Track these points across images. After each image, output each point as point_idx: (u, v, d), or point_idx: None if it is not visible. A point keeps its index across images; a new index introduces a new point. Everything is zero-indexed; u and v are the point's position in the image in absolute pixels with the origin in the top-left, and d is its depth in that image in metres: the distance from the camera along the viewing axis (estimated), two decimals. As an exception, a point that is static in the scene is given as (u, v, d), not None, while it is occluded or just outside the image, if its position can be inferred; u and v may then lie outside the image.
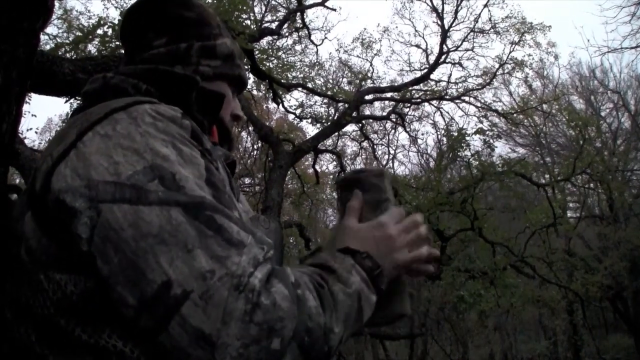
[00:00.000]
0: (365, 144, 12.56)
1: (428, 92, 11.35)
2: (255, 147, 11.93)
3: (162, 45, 1.02)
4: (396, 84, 11.56)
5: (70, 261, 0.71)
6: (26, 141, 5.16)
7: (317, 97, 11.03)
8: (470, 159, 10.36)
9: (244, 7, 7.47)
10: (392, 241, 0.93)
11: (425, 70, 11.85)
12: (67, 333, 0.70)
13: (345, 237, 0.93)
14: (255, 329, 0.65)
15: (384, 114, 12.42)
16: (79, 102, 0.98)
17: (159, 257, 0.66)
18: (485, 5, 11.57)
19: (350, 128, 11.94)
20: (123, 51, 1.14)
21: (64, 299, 0.71)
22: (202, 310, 0.65)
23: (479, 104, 11.82)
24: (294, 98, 14.31)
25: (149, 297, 0.66)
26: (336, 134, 11.28)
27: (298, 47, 11.13)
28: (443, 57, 11.69)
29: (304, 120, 11.57)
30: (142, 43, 1.04)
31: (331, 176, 13.90)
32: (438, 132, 13.27)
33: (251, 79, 8.64)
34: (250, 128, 10.99)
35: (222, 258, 0.68)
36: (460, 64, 11.93)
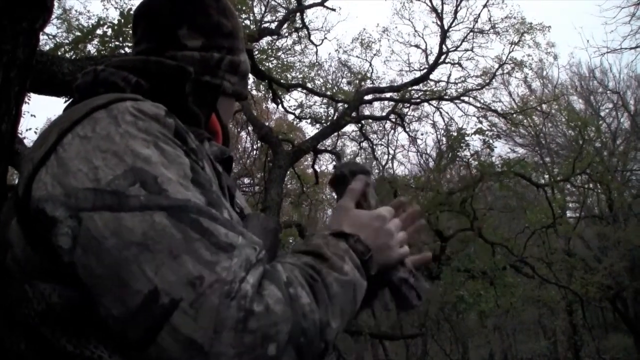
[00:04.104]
0: (364, 144, 12.57)
1: (427, 92, 11.35)
2: (254, 147, 11.96)
3: (197, 49, 1.00)
4: (395, 84, 11.56)
5: (54, 271, 0.69)
6: (25, 141, 5.15)
7: (316, 98, 11.05)
8: (470, 159, 10.38)
9: (244, 7, 7.47)
10: (390, 237, 0.93)
11: (425, 70, 11.87)
12: (52, 343, 0.68)
13: (342, 219, 0.92)
14: (249, 337, 0.63)
15: (384, 114, 12.43)
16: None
17: (143, 266, 0.63)
18: (485, 6, 11.59)
19: (350, 128, 11.98)
20: (131, 32, 1.10)
21: (49, 309, 0.69)
22: (192, 319, 0.62)
23: (478, 104, 11.83)
24: (293, 98, 14.36)
25: (135, 308, 0.63)
26: (335, 134, 11.30)
27: (297, 48, 11.16)
28: (442, 57, 11.70)
29: (304, 121, 11.60)
30: (171, 35, 1.01)
31: (330, 176, 13.90)
32: (437, 132, 13.26)
33: (251, 79, 8.65)
34: (249, 128, 11.01)
35: (210, 263, 0.65)
36: (460, 64, 11.95)
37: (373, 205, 1.01)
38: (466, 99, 11.63)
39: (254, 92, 10.30)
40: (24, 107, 1.59)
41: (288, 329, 0.66)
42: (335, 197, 1.06)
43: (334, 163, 12.94)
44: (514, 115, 12.53)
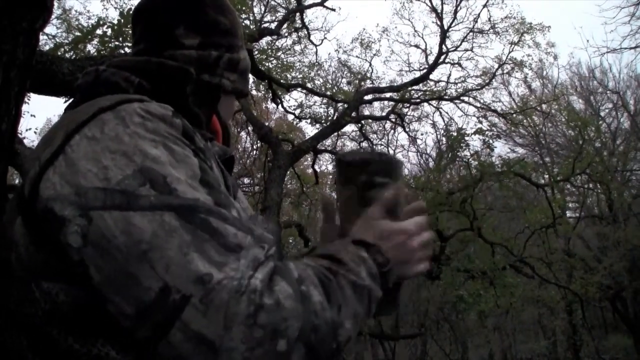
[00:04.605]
0: (364, 144, 12.54)
1: (427, 92, 11.35)
2: (254, 147, 11.96)
3: (194, 48, 1.00)
4: (395, 84, 11.56)
5: (61, 270, 0.69)
6: (25, 141, 5.16)
7: (316, 97, 11.05)
8: (470, 159, 10.38)
9: (243, 7, 7.47)
10: (412, 254, 0.91)
11: (425, 70, 11.86)
12: (59, 342, 0.69)
13: (367, 228, 0.91)
14: (259, 332, 0.63)
15: (383, 114, 12.43)
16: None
17: (154, 264, 0.64)
18: (485, 6, 11.58)
19: (350, 128, 11.98)
20: (131, 31, 1.10)
21: (55, 309, 0.69)
22: (202, 315, 0.62)
23: (478, 104, 11.83)
24: (293, 98, 14.36)
25: (147, 305, 0.64)
26: (335, 134, 11.29)
27: (297, 48, 11.15)
28: (442, 57, 11.70)
29: (303, 121, 11.61)
30: (168, 35, 1.00)
31: (330, 176, 13.91)
32: (437, 132, 13.29)
33: (251, 79, 8.64)
34: (249, 128, 11.01)
35: (219, 264, 0.65)
36: (460, 64, 11.94)
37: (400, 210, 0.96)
38: (466, 99, 11.64)
39: (254, 92, 10.30)
40: (24, 107, 1.59)
41: (298, 325, 0.66)
42: (337, 184, 1.02)
43: (333, 163, 12.94)
44: (514, 115, 12.53)
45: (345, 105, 10.08)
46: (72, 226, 0.67)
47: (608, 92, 19.24)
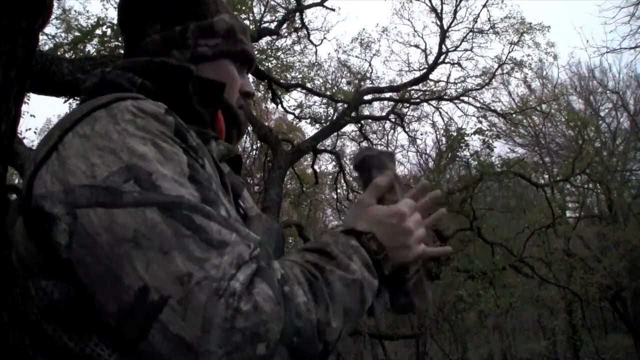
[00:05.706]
0: (364, 144, 12.54)
1: (427, 92, 11.36)
2: (254, 147, 11.93)
3: (157, 32, 0.99)
4: (395, 84, 11.57)
5: (55, 268, 0.70)
6: (25, 141, 5.16)
7: (316, 97, 11.04)
8: (470, 159, 10.39)
9: (243, 7, 7.48)
10: (407, 236, 0.90)
11: (424, 70, 11.86)
12: (54, 340, 0.69)
13: (358, 216, 0.90)
14: (238, 336, 0.62)
15: (383, 114, 12.43)
16: (78, 102, 0.96)
17: (134, 262, 0.64)
18: (484, 6, 11.58)
19: (349, 128, 11.97)
20: (124, 43, 1.11)
21: (50, 306, 0.70)
22: (180, 317, 0.62)
23: (478, 104, 11.83)
24: (293, 98, 14.35)
25: (127, 304, 0.63)
26: (335, 134, 11.30)
27: (297, 47, 11.13)
28: (442, 57, 11.69)
29: (303, 121, 11.59)
30: (139, 32, 1.01)
31: (330, 176, 13.90)
32: (437, 132, 13.28)
33: (250, 78, 8.64)
34: (249, 128, 11.00)
35: (200, 260, 0.64)
36: (459, 64, 11.94)
37: (399, 199, 0.95)
38: (466, 99, 11.64)
39: (254, 92, 10.27)
40: (24, 107, 1.59)
41: (279, 328, 0.65)
42: (359, 182, 1.03)
43: (333, 163, 12.96)
44: (514, 115, 12.54)
45: (345, 105, 10.08)
46: (61, 224, 0.67)
47: (608, 92, 19.27)
